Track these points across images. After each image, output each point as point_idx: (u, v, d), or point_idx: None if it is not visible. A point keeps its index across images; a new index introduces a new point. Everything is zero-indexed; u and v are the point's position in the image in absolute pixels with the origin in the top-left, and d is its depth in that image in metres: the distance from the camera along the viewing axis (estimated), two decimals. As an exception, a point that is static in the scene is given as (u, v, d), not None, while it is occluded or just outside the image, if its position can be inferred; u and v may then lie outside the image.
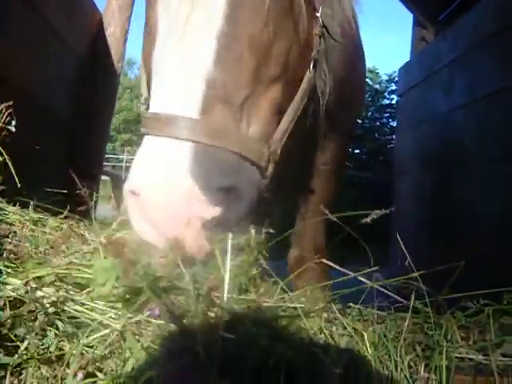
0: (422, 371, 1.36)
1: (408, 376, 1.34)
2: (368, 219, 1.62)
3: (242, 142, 1.63)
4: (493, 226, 4.33)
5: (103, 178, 8.39)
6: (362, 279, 1.53)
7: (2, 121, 2.38)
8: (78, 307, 1.32)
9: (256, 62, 1.67)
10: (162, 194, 1.47)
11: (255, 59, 1.67)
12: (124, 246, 1.37)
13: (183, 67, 1.57)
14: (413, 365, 1.38)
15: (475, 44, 5.13)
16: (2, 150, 2.19)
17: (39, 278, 1.40)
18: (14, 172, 2.20)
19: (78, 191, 2.16)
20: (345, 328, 1.43)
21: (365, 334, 1.39)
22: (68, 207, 2.37)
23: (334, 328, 1.42)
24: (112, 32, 5.92)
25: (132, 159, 1.60)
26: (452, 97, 5.58)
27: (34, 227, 2.05)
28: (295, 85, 1.93)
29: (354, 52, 3.03)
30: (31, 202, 2.25)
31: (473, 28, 5.29)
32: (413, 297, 1.58)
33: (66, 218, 2.32)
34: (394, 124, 19.16)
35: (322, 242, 3.28)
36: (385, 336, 1.42)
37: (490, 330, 1.49)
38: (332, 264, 1.73)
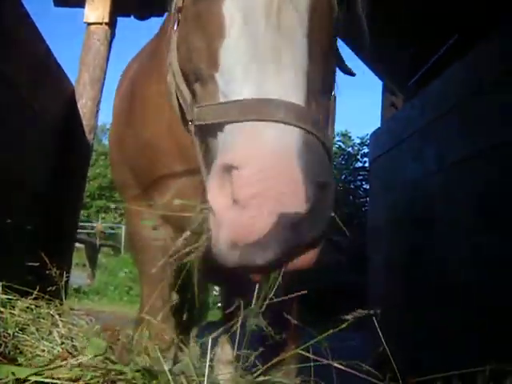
0: None
1: None
2: (350, 318, 1.59)
3: (329, 139, 1.61)
4: (461, 295, 4.37)
5: (78, 245, 8.38)
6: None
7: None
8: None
9: (327, 65, 1.75)
10: (272, 170, 1.37)
11: (327, 62, 1.74)
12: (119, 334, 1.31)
13: (285, 59, 1.56)
14: None
15: (443, 111, 5.27)
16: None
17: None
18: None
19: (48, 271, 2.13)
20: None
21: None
22: (37, 288, 2.34)
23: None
24: (84, 104, 6.02)
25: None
26: (422, 164, 5.68)
27: (2, 309, 2.00)
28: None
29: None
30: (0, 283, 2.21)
31: (440, 95, 5.45)
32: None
33: (35, 298, 2.28)
34: (368, 187, 19.46)
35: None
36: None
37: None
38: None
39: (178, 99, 2.09)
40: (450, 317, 4.39)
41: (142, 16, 7.57)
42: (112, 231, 31.70)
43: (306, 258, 1.44)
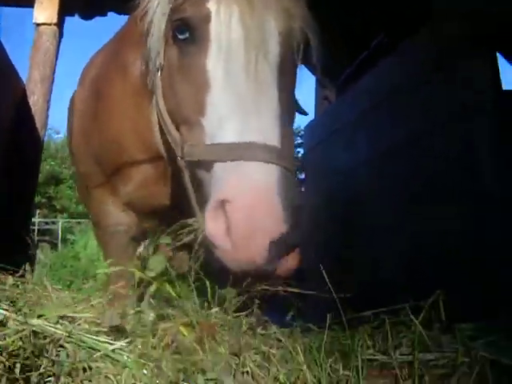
0: (341, 370, 1.78)
1: (331, 374, 1.76)
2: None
3: (294, 164, 2.05)
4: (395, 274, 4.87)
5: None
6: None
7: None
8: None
9: (291, 106, 2.23)
10: (259, 205, 1.79)
11: (291, 103, 2.22)
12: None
13: (262, 107, 1.99)
14: (334, 366, 1.80)
15: (372, 104, 5.84)
16: None
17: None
18: None
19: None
20: (280, 341, 1.83)
21: (296, 346, 1.80)
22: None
23: (271, 341, 1.82)
24: (35, 101, 6.24)
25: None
26: (353, 153, 6.22)
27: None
28: None
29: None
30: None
31: (370, 89, 6.01)
32: (329, 316, 2.00)
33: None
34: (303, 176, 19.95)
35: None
36: (311, 347, 1.83)
37: (389, 337, 1.93)
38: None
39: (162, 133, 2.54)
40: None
41: (87, 16, 7.82)
42: (48, 226, 31.26)
43: (288, 265, 1.90)
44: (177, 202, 3.05)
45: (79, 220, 28.67)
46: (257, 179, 1.85)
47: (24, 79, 6.32)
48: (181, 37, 2.24)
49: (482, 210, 3.61)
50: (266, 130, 1.96)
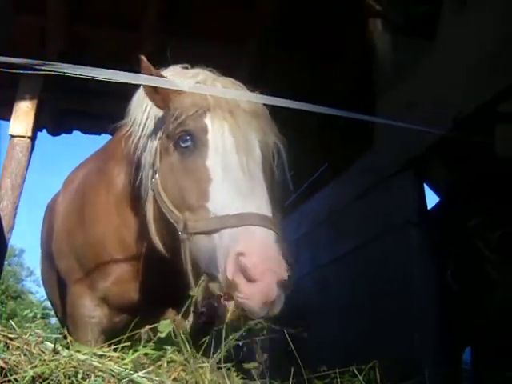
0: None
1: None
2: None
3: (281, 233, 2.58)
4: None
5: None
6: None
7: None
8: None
9: (273, 190, 2.83)
10: (266, 255, 2.32)
11: (273, 188, 2.82)
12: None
13: (256, 191, 2.61)
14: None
15: (316, 223, 6.58)
16: None
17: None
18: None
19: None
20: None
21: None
22: None
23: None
24: (4, 206, 6.64)
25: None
26: (297, 267, 6.84)
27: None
28: None
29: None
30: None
31: (312, 212, 6.80)
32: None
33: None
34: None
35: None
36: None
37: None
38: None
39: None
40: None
41: (54, 132, 8.44)
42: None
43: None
44: (149, 299, 3.51)
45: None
46: (262, 237, 2.43)
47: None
48: (183, 145, 2.86)
49: (413, 303, 4.24)
50: (260, 205, 2.57)
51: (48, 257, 4.71)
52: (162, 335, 2.35)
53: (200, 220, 2.65)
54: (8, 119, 7.10)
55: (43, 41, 7.18)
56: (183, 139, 2.86)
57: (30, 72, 2.67)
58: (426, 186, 4.82)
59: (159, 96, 2.98)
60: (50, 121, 8.15)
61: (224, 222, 2.53)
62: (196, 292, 2.46)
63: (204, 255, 2.61)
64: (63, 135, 8.68)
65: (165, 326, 2.38)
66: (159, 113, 3.11)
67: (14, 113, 7.08)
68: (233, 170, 2.69)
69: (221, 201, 2.62)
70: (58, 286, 4.64)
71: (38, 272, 38.47)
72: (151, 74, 2.92)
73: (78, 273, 3.81)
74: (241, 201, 2.57)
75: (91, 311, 3.73)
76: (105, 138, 6.07)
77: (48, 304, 5.89)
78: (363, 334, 4.76)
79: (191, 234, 2.66)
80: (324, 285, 6.03)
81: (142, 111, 3.22)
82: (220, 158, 2.74)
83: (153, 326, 2.36)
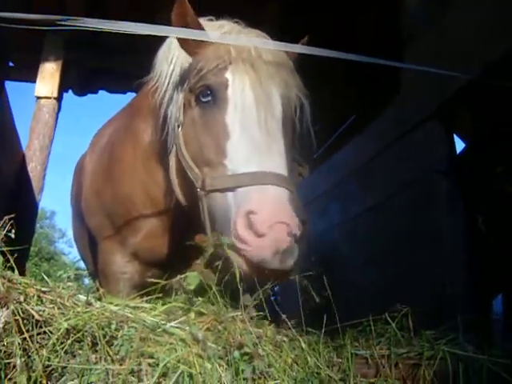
0: (335, 358, 2.28)
1: (328, 361, 2.26)
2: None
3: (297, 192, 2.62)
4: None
5: None
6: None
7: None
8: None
9: (292, 149, 2.88)
10: (277, 211, 2.34)
11: (292, 147, 2.89)
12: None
13: (272, 149, 2.63)
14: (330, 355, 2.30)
15: (344, 176, 6.55)
16: None
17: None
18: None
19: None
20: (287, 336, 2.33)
21: (300, 339, 2.29)
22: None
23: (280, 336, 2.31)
24: (33, 167, 6.73)
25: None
26: (327, 218, 6.85)
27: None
28: None
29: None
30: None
31: (341, 164, 6.75)
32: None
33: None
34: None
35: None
36: (313, 341, 2.34)
37: (372, 338, 2.45)
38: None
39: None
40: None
41: (80, 92, 8.45)
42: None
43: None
44: (178, 254, 3.51)
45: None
46: (274, 195, 2.44)
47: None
48: (204, 99, 2.85)
49: (443, 252, 4.23)
50: (276, 163, 2.58)
51: (79, 216, 4.79)
52: (191, 287, 2.38)
53: (217, 177, 2.66)
54: (34, 81, 7.11)
55: (64, 5, 7.11)
56: (204, 94, 2.85)
57: (52, 28, 2.63)
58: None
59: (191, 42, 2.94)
60: (76, 81, 8.16)
61: (238, 181, 2.54)
62: (208, 248, 2.48)
63: (219, 214, 2.62)
64: (89, 95, 8.69)
65: (193, 278, 2.41)
66: (185, 64, 3.09)
67: (39, 74, 7.08)
68: (250, 127, 2.68)
69: (237, 158, 2.63)
70: (90, 244, 4.72)
71: (69, 233, 39.51)
72: (186, 18, 2.86)
73: (108, 230, 3.87)
74: (256, 159, 2.58)
75: (122, 267, 3.80)
76: (130, 96, 6.07)
77: (81, 265, 5.95)
78: (394, 284, 4.77)
79: (208, 192, 2.67)
80: (354, 235, 6.03)
81: (168, 63, 3.20)
82: (239, 114, 2.73)
83: (182, 276, 2.38)
